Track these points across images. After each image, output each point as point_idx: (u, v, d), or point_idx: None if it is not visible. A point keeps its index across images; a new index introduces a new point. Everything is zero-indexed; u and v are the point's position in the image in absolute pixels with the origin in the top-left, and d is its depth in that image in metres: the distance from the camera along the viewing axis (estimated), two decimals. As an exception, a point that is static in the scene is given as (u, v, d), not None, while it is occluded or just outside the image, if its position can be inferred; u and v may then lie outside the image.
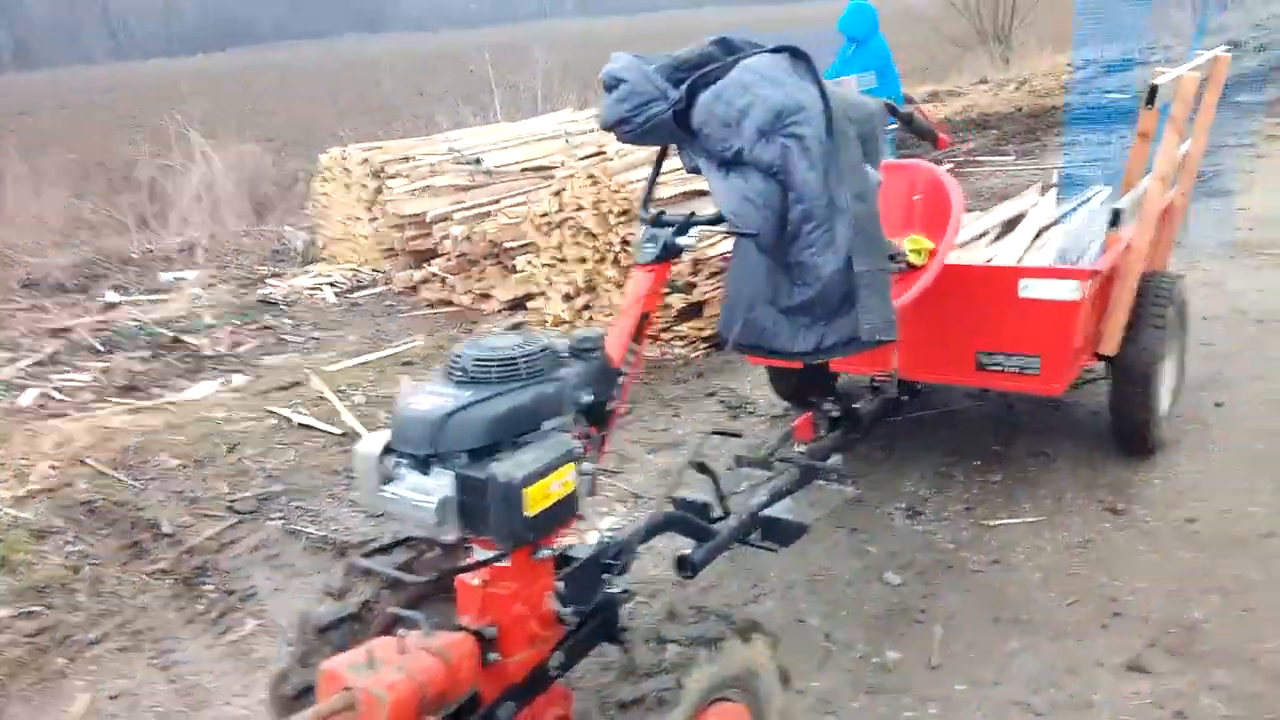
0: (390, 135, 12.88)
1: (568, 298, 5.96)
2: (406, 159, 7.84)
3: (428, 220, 7.10)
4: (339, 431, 4.77)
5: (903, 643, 2.95)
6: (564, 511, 1.84)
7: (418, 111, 14.23)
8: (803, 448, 3.28)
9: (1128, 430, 3.76)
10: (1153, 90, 3.13)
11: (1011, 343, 3.35)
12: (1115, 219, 3.22)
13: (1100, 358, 3.63)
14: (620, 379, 2.26)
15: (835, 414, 3.33)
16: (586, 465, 2.00)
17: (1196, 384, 4.50)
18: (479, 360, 1.87)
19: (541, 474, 1.75)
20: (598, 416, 2.08)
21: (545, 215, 5.91)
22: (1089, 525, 3.47)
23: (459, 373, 1.87)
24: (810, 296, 2.36)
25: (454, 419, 1.76)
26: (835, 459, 3.32)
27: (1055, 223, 4.04)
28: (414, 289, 7.35)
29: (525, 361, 1.88)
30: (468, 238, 6.57)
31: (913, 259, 3.29)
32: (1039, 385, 3.37)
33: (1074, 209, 4.18)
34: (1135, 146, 3.39)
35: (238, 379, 5.79)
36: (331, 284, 7.86)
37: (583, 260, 5.82)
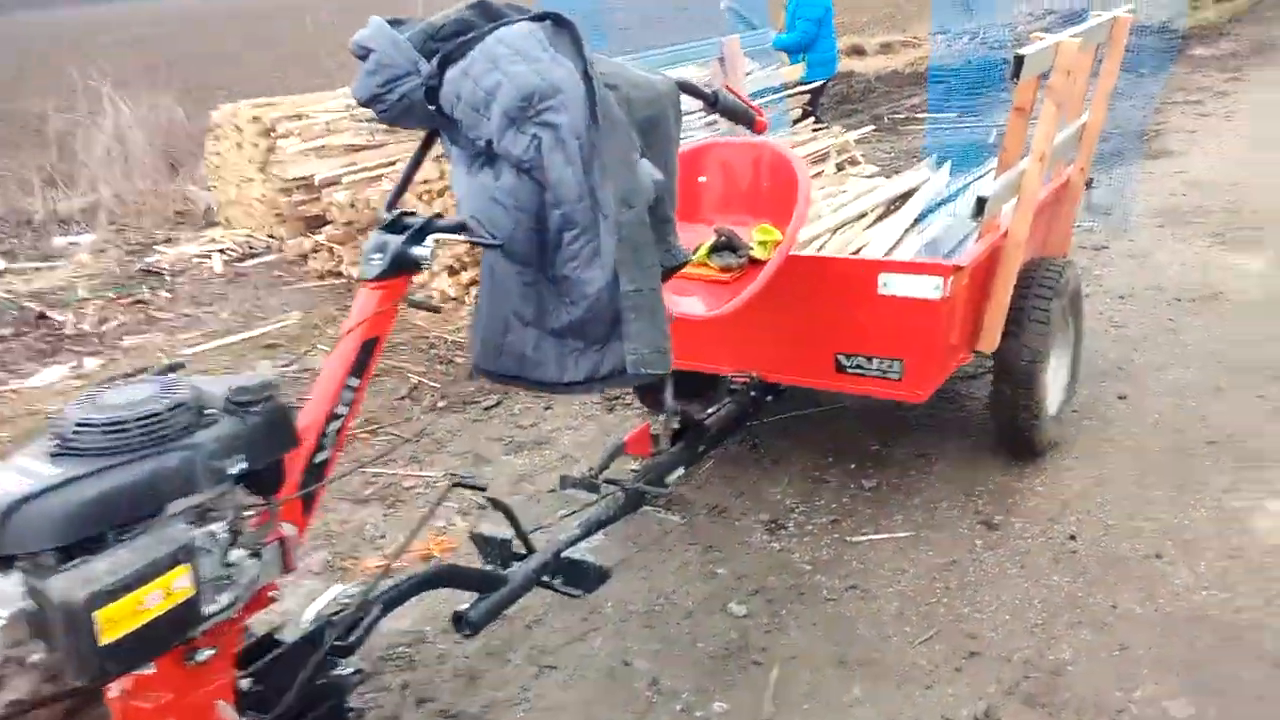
0: (317, 86, 12.26)
1: (452, 271, 5.55)
2: (300, 116, 7.33)
3: (316, 184, 6.63)
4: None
5: (734, 691, 2.62)
6: (167, 633, 1.44)
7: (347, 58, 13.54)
8: (638, 465, 2.93)
9: (1010, 433, 3.45)
10: (1019, 61, 2.74)
11: (872, 344, 3.00)
12: (980, 208, 2.85)
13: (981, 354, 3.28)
14: (335, 423, 1.87)
15: (676, 425, 2.97)
16: (237, 554, 1.61)
17: (1101, 373, 4.19)
18: (81, 424, 1.47)
19: (124, 588, 1.34)
20: (271, 483, 1.69)
21: (425, 182, 5.47)
22: (959, 543, 3.15)
23: (55, 441, 1.47)
24: (579, 317, 1.98)
25: (27, 509, 1.35)
26: (678, 474, 2.98)
27: (941, 203, 3.68)
28: (304, 259, 6.89)
29: (140, 425, 1.46)
30: (352, 204, 6.11)
31: (758, 252, 2.91)
32: (902, 391, 3.02)
33: (962, 189, 3.81)
34: (1011, 122, 3.00)
35: (90, 363, 5.36)
36: (222, 251, 7.39)
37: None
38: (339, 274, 6.50)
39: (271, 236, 7.47)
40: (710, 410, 3.24)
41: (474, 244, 1.96)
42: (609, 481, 2.76)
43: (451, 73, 1.97)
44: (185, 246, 7.61)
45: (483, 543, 2.52)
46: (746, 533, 3.30)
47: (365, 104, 2.13)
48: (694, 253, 2.96)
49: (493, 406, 4.40)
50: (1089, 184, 4.07)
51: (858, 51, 14.60)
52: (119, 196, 9.86)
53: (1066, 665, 2.62)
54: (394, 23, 2.14)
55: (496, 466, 3.87)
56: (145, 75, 13.19)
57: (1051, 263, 3.38)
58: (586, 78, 1.90)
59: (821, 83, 7.83)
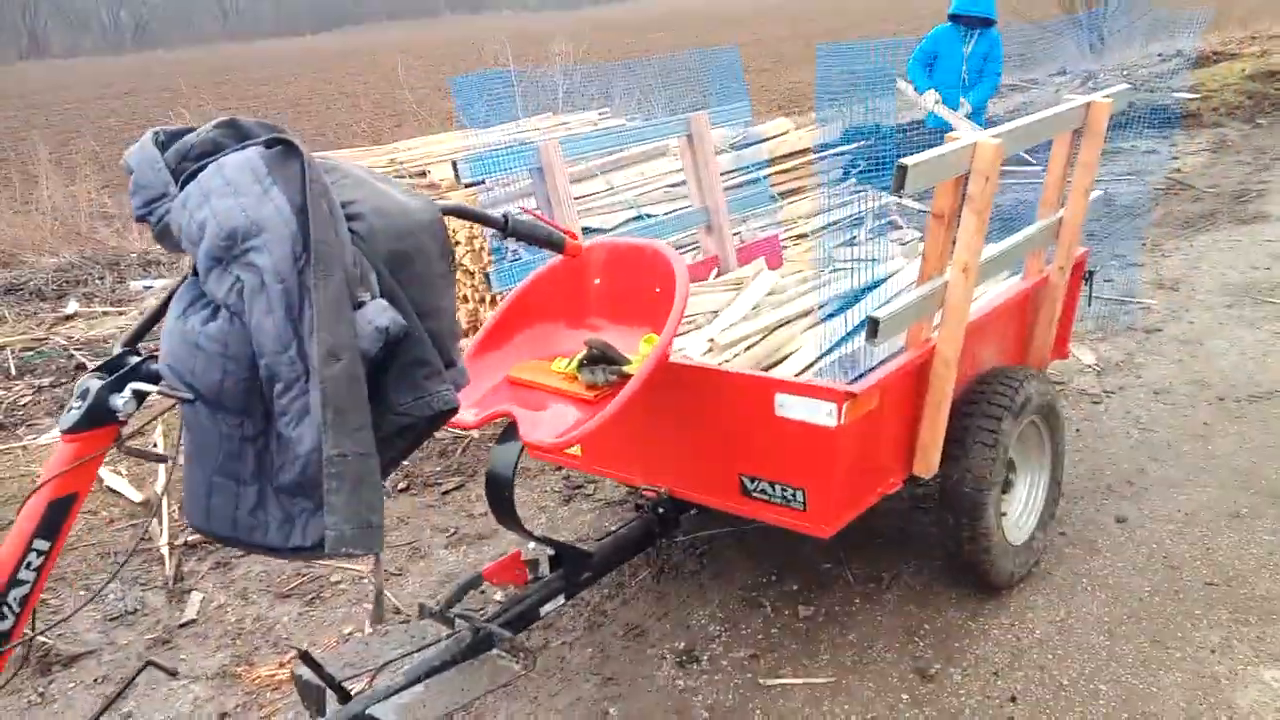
0: (400, 135, 12.52)
1: (454, 339, 5.44)
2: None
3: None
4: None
5: None
6: None
7: (436, 108, 13.82)
8: (505, 594, 2.70)
9: (958, 566, 3.06)
10: (901, 172, 2.38)
11: (774, 469, 2.69)
12: (874, 330, 2.50)
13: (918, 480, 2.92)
14: (17, 590, 1.71)
15: (551, 552, 2.72)
16: None
17: (1105, 487, 3.72)
18: None
19: None
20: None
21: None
22: (883, 695, 2.79)
23: None
24: (295, 478, 1.77)
25: None
26: (554, 606, 2.73)
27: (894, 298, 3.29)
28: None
29: None
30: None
31: (635, 366, 2.64)
32: (805, 523, 2.69)
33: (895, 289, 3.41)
34: (930, 229, 2.64)
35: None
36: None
37: (465, 299, 5.29)
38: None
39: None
40: (614, 529, 2.98)
41: (169, 397, 1.77)
42: (460, 617, 2.53)
43: (175, 203, 1.81)
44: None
45: (302, 687, 2.33)
46: (655, 664, 3.01)
47: (140, 222, 2.01)
48: (568, 363, 2.72)
49: (452, 490, 4.24)
50: (1089, 276, 3.62)
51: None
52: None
53: None
54: (173, 135, 2.00)
55: (428, 563, 3.69)
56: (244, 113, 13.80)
57: (1007, 376, 2.99)
58: (301, 213, 1.71)
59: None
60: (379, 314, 1.75)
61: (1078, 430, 4.15)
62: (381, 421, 1.84)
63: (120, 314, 7.95)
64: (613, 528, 3.01)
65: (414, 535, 3.90)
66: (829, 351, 3.02)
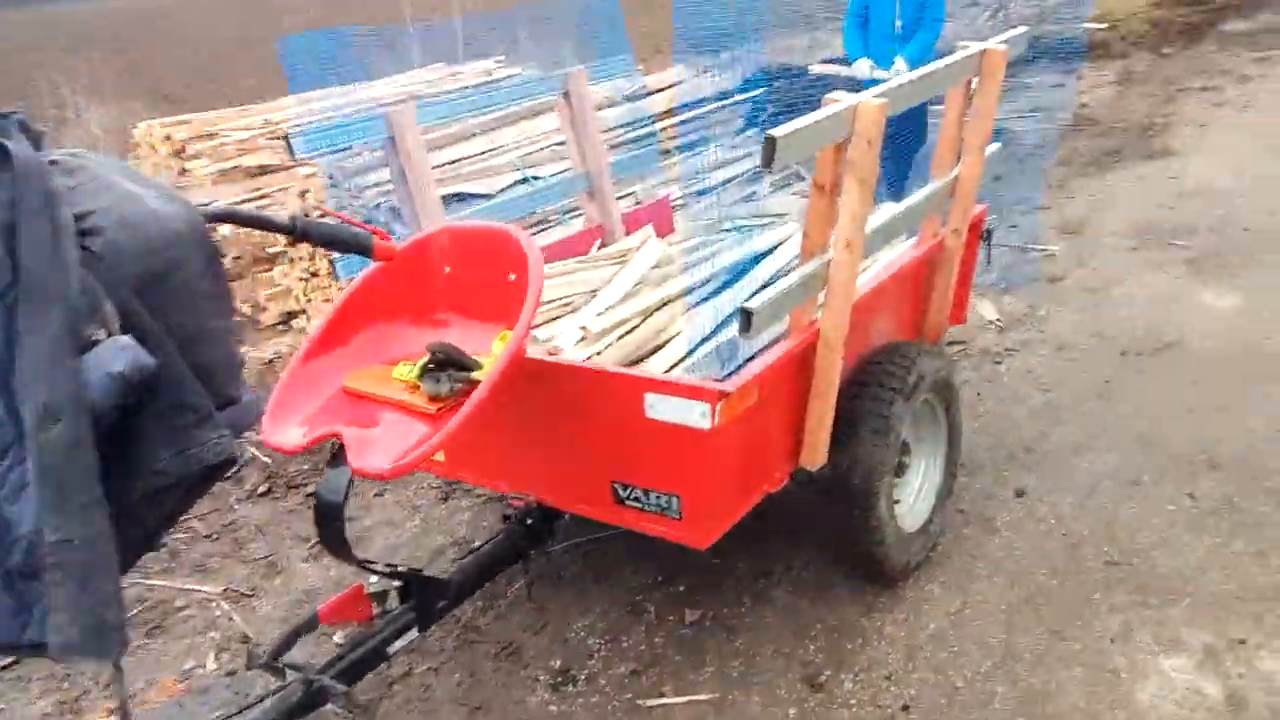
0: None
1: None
2: (212, 135, 6.88)
3: (212, 215, 6.17)
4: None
5: None
6: None
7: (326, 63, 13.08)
8: (345, 635, 2.41)
9: (851, 559, 2.86)
10: (770, 145, 2.10)
11: (646, 475, 2.43)
12: (746, 323, 2.24)
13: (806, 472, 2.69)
14: None
15: (397, 584, 2.43)
16: None
17: (1007, 456, 3.55)
18: None
19: None
20: None
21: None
22: (768, 711, 2.58)
23: None
24: (19, 561, 1.45)
25: None
26: (406, 642, 2.44)
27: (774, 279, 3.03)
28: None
29: None
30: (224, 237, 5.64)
31: (486, 371, 2.33)
32: (681, 533, 2.45)
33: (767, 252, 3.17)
34: (811, 202, 2.38)
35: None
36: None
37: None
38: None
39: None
40: (476, 546, 2.70)
41: None
42: (291, 667, 2.23)
43: None
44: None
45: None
46: (529, 688, 2.76)
47: None
48: (410, 369, 2.40)
49: (319, 492, 3.89)
50: (987, 235, 3.41)
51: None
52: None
53: None
54: None
55: (285, 579, 3.37)
56: (120, 79, 12.92)
57: (899, 355, 2.77)
58: (11, 236, 1.37)
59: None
60: (114, 356, 1.42)
61: (978, 394, 3.98)
62: (134, 485, 1.53)
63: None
64: (476, 544, 2.73)
65: (272, 547, 3.57)
66: (704, 342, 2.75)
